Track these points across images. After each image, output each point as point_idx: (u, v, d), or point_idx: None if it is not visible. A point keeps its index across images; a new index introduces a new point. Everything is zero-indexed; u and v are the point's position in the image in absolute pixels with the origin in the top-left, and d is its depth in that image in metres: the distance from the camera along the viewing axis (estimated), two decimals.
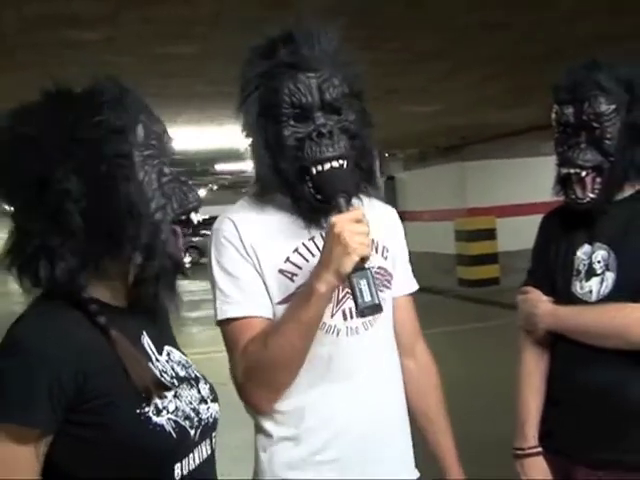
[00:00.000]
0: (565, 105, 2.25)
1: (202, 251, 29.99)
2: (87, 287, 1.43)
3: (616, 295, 2.16)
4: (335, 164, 1.83)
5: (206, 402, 1.55)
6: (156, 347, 1.54)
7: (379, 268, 1.99)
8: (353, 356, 1.93)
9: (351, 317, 1.91)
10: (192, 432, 1.46)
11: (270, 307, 1.89)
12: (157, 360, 1.51)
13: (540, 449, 2.33)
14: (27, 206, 1.42)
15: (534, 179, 13.11)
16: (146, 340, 1.52)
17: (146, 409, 1.39)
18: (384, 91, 7.08)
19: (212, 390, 1.59)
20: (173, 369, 1.54)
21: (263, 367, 1.82)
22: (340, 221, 1.71)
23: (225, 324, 1.91)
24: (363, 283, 1.68)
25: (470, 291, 14.32)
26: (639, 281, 2.11)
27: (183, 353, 1.63)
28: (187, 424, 1.46)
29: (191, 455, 1.46)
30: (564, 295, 2.27)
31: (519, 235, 11.83)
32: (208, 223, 29.29)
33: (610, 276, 2.19)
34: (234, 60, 1.96)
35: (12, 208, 1.46)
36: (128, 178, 1.43)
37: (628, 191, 2.24)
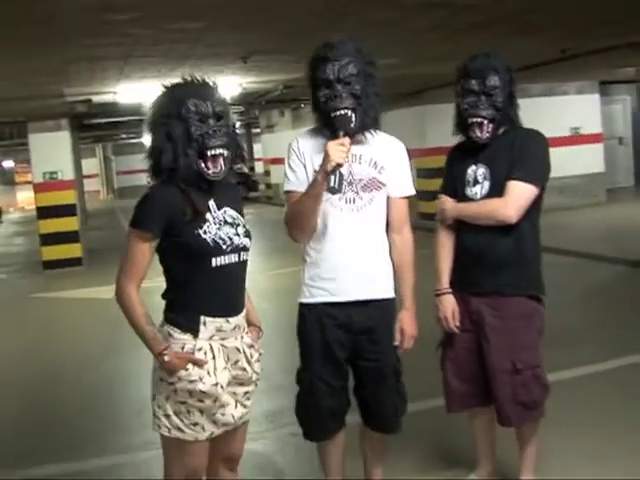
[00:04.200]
0: (473, 79, 3.57)
1: None
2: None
3: (490, 194, 3.59)
4: (341, 112, 3.28)
5: (239, 236, 3.01)
6: (217, 207, 3.02)
7: (372, 178, 3.45)
8: (350, 224, 3.43)
9: (351, 202, 3.41)
10: (224, 246, 2.93)
11: None
12: (215, 212, 3.00)
13: (450, 290, 3.75)
14: (169, 134, 2.89)
15: None
16: (212, 202, 3.01)
17: (199, 231, 2.89)
18: None
19: (247, 232, 3.08)
20: (223, 216, 3.02)
21: (293, 216, 3.37)
22: (330, 143, 3.19)
23: (286, 193, 3.51)
24: (333, 177, 3.15)
25: (430, 223, 15.33)
26: (503, 185, 3.53)
27: (242, 215, 3.17)
28: (221, 242, 2.92)
29: (224, 256, 2.94)
30: (461, 197, 3.71)
31: None
32: None
33: (487, 184, 3.61)
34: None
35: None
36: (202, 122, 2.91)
37: (500, 131, 3.63)
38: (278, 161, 23.90)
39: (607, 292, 9.00)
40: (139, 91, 11.18)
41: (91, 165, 34.98)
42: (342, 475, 3.76)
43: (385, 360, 3.55)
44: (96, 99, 12.20)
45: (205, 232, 2.90)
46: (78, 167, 20.51)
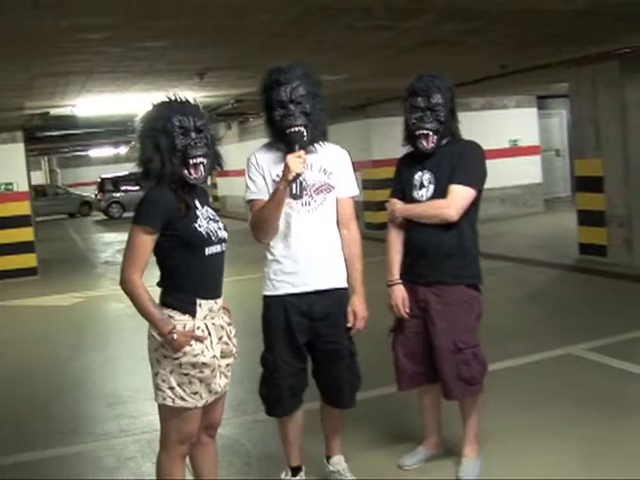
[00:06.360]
0: (419, 97, 4.07)
1: (124, 206, 29.67)
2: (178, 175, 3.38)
3: (435, 196, 4.08)
4: (295, 129, 3.75)
5: (221, 229, 3.50)
6: (201, 205, 3.49)
7: (323, 183, 3.91)
8: (307, 224, 3.88)
9: (307, 205, 3.86)
10: (213, 238, 3.41)
11: (267, 195, 3.79)
12: (201, 209, 3.47)
13: (400, 280, 4.23)
14: (157, 145, 3.34)
15: None
16: (196, 201, 3.47)
17: (195, 225, 3.36)
18: None
19: (225, 227, 3.56)
20: (207, 213, 3.49)
21: (258, 220, 3.80)
22: (289, 156, 3.66)
23: (249, 202, 3.86)
24: (294, 185, 3.66)
25: (376, 233, 15.67)
26: (446, 188, 4.02)
27: (215, 210, 3.66)
28: (211, 234, 3.41)
29: (213, 247, 3.42)
30: (409, 199, 4.19)
31: None
32: (129, 179, 29.44)
33: (431, 187, 4.11)
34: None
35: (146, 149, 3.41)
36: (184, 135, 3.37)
37: (443, 142, 4.14)
38: (225, 174, 23.84)
39: (545, 293, 9.66)
40: (97, 104, 11.49)
41: (37, 178, 34.68)
42: (299, 448, 4.25)
43: (340, 342, 4.01)
44: (54, 112, 12.48)
45: (200, 226, 3.37)
46: (29, 179, 20.56)
